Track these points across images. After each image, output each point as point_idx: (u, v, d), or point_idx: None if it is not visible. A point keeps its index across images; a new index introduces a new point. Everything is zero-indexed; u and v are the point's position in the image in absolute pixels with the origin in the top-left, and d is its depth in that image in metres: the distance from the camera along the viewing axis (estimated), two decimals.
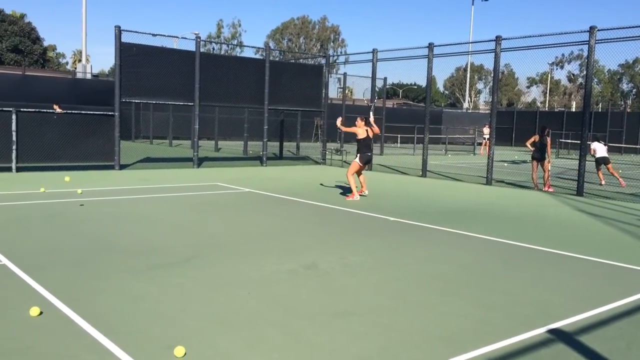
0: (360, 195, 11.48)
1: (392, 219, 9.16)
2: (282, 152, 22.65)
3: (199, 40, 17.53)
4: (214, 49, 63.54)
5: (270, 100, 18.98)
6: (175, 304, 4.66)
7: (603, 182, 15.96)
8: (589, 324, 4.48)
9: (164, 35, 18.00)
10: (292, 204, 10.52)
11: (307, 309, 4.64)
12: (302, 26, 75.33)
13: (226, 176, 14.96)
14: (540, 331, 4.28)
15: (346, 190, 12.38)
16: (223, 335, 4.04)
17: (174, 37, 19.32)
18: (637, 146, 36.27)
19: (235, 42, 69.75)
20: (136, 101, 17.61)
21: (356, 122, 11.61)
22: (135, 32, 16.19)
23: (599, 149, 16.34)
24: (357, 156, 11.51)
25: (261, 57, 20.36)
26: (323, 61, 22.67)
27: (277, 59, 52.71)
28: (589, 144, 16.05)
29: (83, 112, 16.21)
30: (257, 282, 5.38)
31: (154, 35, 17.18)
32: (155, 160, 19.44)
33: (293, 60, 33.39)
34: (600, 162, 16.30)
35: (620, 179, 15.82)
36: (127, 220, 8.39)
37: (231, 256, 6.34)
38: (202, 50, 17.56)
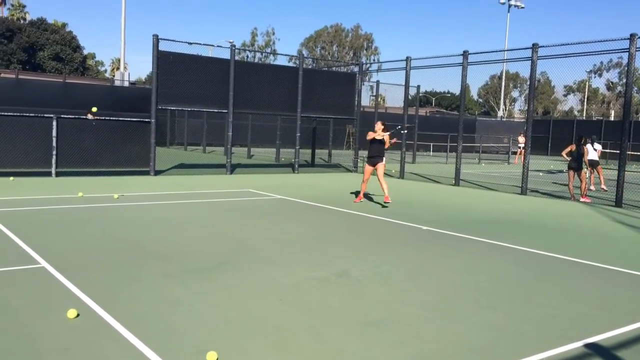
0: (359, 201, 11.93)
1: (424, 227, 9.09)
2: (314, 159, 22.72)
3: (233, 48, 17.77)
4: (248, 57, 64.35)
5: (303, 107, 19.08)
6: (208, 309, 4.71)
7: (593, 187, 16.72)
8: (628, 339, 4.35)
9: (200, 44, 18.36)
10: (324, 212, 10.53)
11: (338, 317, 4.63)
12: (335, 34, 75.60)
13: (258, 183, 15.08)
14: (577, 345, 4.17)
15: (374, 199, 12.35)
16: (255, 340, 4.07)
17: (210, 45, 19.67)
18: None
19: (269, 50, 70.43)
20: (172, 108, 17.93)
21: (377, 127, 11.74)
22: (172, 40, 16.53)
23: (590, 151, 16.35)
24: (383, 159, 11.80)
25: (294, 65, 20.51)
26: (356, 69, 22.68)
27: (310, 66, 53.09)
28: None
29: (120, 118, 16.59)
30: (288, 288, 5.40)
31: (190, 43, 17.49)
32: (189, 166, 19.74)
33: (326, 68, 33.50)
34: (591, 164, 16.40)
35: (602, 183, 16.72)
36: (161, 225, 8.54)
37: (263, 262, 6.38)
38: (236, 58, 17.79)
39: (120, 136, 15.71)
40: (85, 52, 64.42)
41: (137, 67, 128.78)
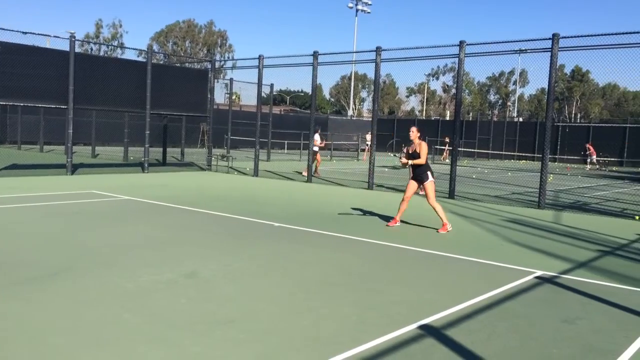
0: (394, 225, 9.44)
1: (276, 224, 9.21)
2: (165, 158, 21.94)
3: (73, 39, 16.52)
4: (92, 49, 60.31)
5: (153, 104, 18.33)
6: (38, 321, 4.33)
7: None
8: (455, 318, 4.79)
9: (35, 34, 16.72)
10: (175, 212, 10.22)
11: (185, 319, 4.52)
12: (188, 30, 73.66)
13: (104, 184, 14.21)
14: (411, 327, 4.51)
15: (222, 200, 12.24)
16: (91, 351, 3.82)
17: (46, 35, 18.07)
18: (502, 152, 39.54)
19: (115, 43, 66.62)
20: (2, 103, 16.20)
21: (412, 134, 9.33)
22: (2, 29, 14.95)
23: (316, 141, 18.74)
24: (429, 176, 9.21)
25: (144, 60, 19.60)
26: (210, 66, 22.31)
27: (161, 62, 51.17)
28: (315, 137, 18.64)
29: None
30: (132, 294, 5.15)
31: (24, 33, 15.92)
32: (24, 167, 18.02)
33: (178, 64, 32.49)
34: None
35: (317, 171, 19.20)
36: None
37: (105, 268, 6.02)
38: (78, 50, 16.56)
39: None
40: None
41: None
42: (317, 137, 19.08)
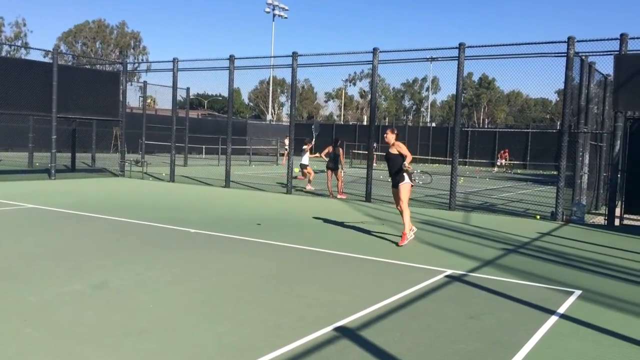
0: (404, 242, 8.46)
1: (193, 230, 9.03)
2: (74, 163, 20.89)
3: None
4: None
5: (60, 107, 17.44)
6: None
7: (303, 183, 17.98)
8: (369, 319, 4.90)
9: None
10: (84, 220, 9.76)
11: (92, 332, 4.33)
12: (98, 30, 70.71)
13: (5, 191, 13.33)
14: (327, 330, 4.56)
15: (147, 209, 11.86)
16: None
17: None
18: (417, 156, 40.93)
19: (19, 43, 62.74)
20: None
21: (387, 137, 8.63)
22: None
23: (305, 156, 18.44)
24: (405, 178, 8.54)
25: (50, 61, 18.60)
26: (121, 68, 21.53)
27: (70, 63, 48.79)
28: (304, 148, 18.50)
29: None
30: (36, 307, 4.87)
31: None
32: None
33: (88, 66, 31.09)
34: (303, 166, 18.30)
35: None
36: None
37: (6, 280, 5.65)
38: None
39: None
40: None
41: None
42: (306, 148, 18.26)
